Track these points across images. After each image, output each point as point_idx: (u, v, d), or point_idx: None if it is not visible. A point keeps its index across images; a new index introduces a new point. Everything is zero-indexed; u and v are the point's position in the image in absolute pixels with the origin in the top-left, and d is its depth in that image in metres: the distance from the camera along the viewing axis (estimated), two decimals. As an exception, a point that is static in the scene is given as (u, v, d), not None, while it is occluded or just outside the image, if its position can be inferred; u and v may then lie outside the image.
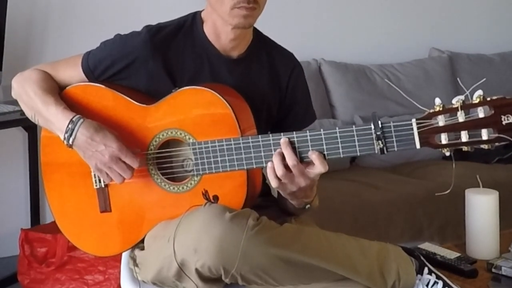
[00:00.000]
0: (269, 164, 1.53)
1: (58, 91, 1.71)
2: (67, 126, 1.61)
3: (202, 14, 1.74)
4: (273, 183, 1.54)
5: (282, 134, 1.53)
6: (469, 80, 3.76)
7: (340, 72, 3.74)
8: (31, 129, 3.16)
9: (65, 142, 1.62)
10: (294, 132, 1.52)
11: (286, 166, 1.51)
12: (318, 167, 1.50)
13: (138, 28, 1.73)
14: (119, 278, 1.84)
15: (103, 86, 1.70)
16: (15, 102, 2.89)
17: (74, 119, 1.61)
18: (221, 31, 1.69)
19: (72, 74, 1.74)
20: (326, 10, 3.92)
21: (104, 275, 2.74)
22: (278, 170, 1.52)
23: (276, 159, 1.51)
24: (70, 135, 1.60)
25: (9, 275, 2.99)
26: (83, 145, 1.60)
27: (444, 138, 1.43)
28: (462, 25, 4.30)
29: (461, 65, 4.07)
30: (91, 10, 3.39)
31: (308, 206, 1.66)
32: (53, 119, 1.64)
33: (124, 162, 1.59)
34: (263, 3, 1.65)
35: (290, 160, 1.50)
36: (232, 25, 1.65)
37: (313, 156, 1.50)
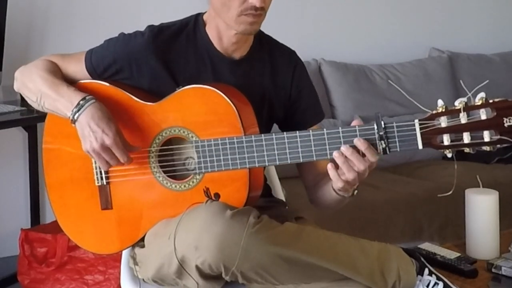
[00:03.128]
0: (330, 165, 1.52)
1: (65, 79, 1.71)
2: (79, 102, 1.61)
3: (204, 17, 1.74)
4: (339, 184, 1.54)
5: (285, 133, 1.54)
6: (469, 80, 3.78)
7: (340, 72, 3.74)
8: (31, 129, 3.15)
9: (70, 117, 1.61)
10: (297, 132, 1.53)
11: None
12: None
13: (139, 27, 1.74)
14: (119, 278, 1.84)
15: (106, 83, 1.71)
16: (15, 102, 2.93)
17: (87, 98, 1.62)
18: (224, 34, 1.70)
19: (75, 69, 1.74)
20: (326, 10, 3.92)
21: (104, 275, 2.74)
22: (349, 175, 1.51)
23: (345, 166, 1.50)
24: (78, 110, 1.60)
25: (9, 275, 2.99)
26: (84, 122, 1.60)
27: (446, 139, 1.43)
28: (462, 25, 4.30)
29: (461, 65, 4.07)
30: (91, 10, 3.39)
31: (356, 191, 1.62)
32: (63, 98, 1.63)
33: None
34: (268, 8, 1.66)
35: (361, 165, 1.49)
36: (238, 31, 1.65)
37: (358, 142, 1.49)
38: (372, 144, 1.48)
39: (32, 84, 1.70)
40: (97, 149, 1.58)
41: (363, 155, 1.49)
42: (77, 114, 1.61)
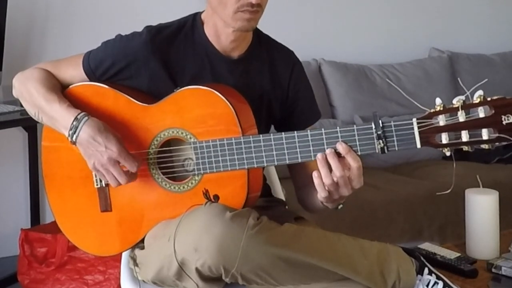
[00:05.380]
0: (315, 173, 1.51)
1: (61, 89, 1.72)
2: (72, 123, 1.61)
3: (202, 16, 1.74)
4: (322, 194, 1.54)
5: (283, 133, 1.53)
6: (469, 80, 3.77)
7: (340, 72, 3.74)
8: (31, 129, 3.15)
9: (69, 139, 1.62)
10: (295, 132, 1.53)
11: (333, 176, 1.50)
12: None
13: (138, 28, 1.73)
14: (119, 278, 1.84)
15: (105, 85, 1.70)
16: (15, 102, 2.93)
17: (79, 117, 1.62)
18: (222, 32, 1.69)
19: (73, 73, 1.74)
20: (326, 10, 3.93)
21: (104, 275, 2.74)
22: (325, 180, 1.51)
23: (323, 170, 1.50)
24: (74, 132, 1.61)
25: (9, 275, 3.00)
26: (84, 143, 1.60)
27: (444, 138, 1.43)
28: (462, 25, 4.30)
29: (461, 65, 4.07)
30: (91, 10, 3.39)
31: (341, 206, 1.64)
32: (57, 116, 1.65)
33: (122, 166, 1.60)
34: (265, 5, 1.66)
35: (337, 171, 1.49)
36: (235, 28, 1.65)
37: (339, 146, 1.49)
38: (370, 143, 1.48)
39: (29, 97, 1.70)
40: (105, 164, 1.59)
41: (349, 166, 1.49)
42: (74, 136, 1.61)
